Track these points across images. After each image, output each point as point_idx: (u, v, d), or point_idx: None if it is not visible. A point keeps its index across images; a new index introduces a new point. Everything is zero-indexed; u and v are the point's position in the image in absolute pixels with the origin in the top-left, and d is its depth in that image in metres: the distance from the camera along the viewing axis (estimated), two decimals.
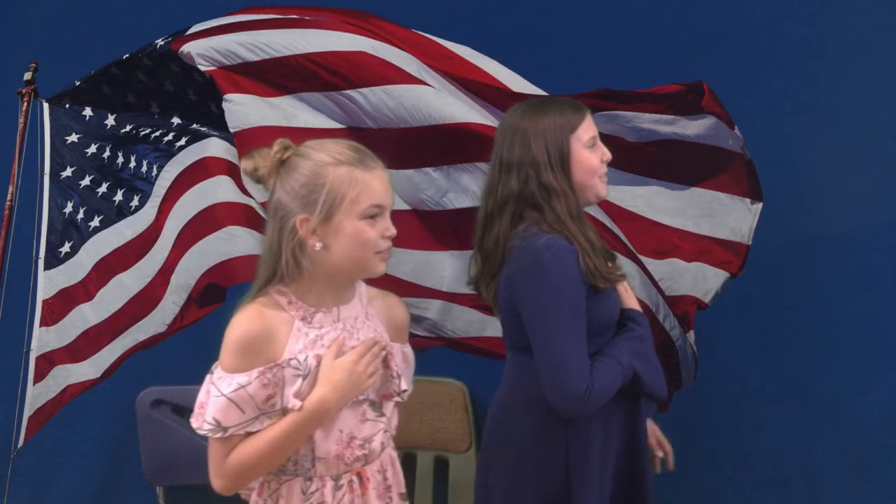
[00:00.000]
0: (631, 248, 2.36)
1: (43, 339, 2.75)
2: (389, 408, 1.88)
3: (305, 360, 1.76)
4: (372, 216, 1.76)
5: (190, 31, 2.52)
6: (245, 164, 1.81)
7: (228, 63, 2.43)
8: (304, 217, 1.74)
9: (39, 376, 2.75)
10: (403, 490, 1.94)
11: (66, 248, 2.77)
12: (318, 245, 1.74)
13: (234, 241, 2.64)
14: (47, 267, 2.77)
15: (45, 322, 2.75)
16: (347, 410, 1.80)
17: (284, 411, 1.75)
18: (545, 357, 1.92)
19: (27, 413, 2.75)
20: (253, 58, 2.41)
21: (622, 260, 2.28)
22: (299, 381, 1.74)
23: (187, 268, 2.68)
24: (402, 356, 1.91)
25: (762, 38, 2.90)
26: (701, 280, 2.48)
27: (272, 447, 1.74)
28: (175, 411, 3.23)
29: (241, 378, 1.72)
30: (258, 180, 1.80)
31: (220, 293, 2.70)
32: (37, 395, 2.76)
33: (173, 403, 3.22)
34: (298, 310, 1.79)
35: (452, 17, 3.06)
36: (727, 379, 2.93)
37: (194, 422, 1.76)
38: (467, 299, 2.41)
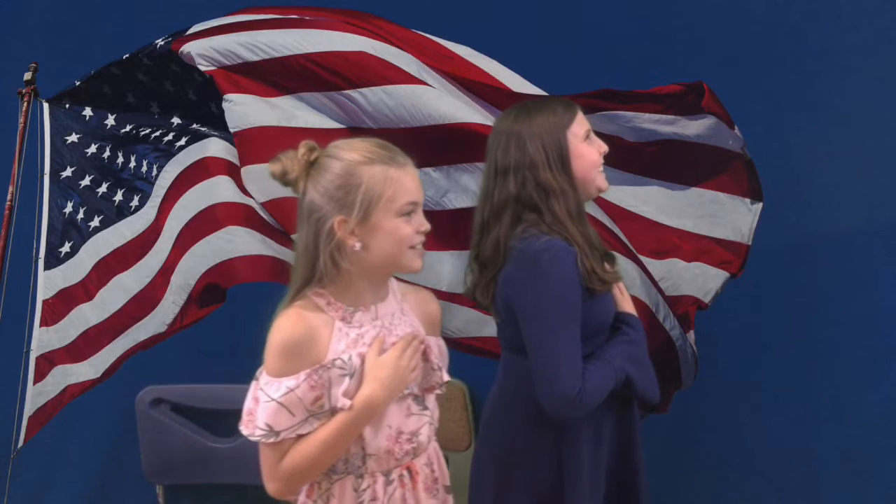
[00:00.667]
0: (631, 248, 2.36)
1: (43, 339, 2.75)
2: (431, 401, 1.90)
3: (350, 359, 1.76)
4: (408, 213, 1.77)
5: (190, 31, 2.52)
6: (273, 168, 1.79)
7: (228, 63, 2.43)
8: (341, 218, 1.74)
9: (39, 376, 2.76)
10: (448, 482, 1.95)
11: (66, 248, 2.77)
12: (357, 245, 1.75)
13: (234, 241, 2.64)
14: (47, 267, 2.78)
15: (45, 322, 2.76)
16: (393, 406, 1.82)
17: (332, 411, 1.75)
18: (538, 358, 1.92)
19: (27, 413, 2.76)
20: (253, 58, 2.41)
21: (622, 260, 2.28)
22: (346, 380, 1.75)
23: (187, 268, 2.68)
24: (438, 349, 1.92)
25: (762, 37, 2.90)
26: (701, 280, 2.48)
27: (325, 448, 1.75)
28: (174, 410, 3.23)
29: (290, 381, 1.72)
30: (287, 183, 1.79)
31: (220, 293, 2.70)
32: (37, 395, 2.76)
33: (173, 402, 3.23)
34: (337, 310, 1.79)
35: (452, 17, 3.06)
36: (727, 379, 2.93)
37: (244, 428, 1.76)
38: (467, 299, 2.41)
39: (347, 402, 1.74)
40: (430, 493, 1.89)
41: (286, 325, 1.75)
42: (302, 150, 1.78)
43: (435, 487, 1.91)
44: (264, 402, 1.73)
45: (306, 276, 1.78)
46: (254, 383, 1.77)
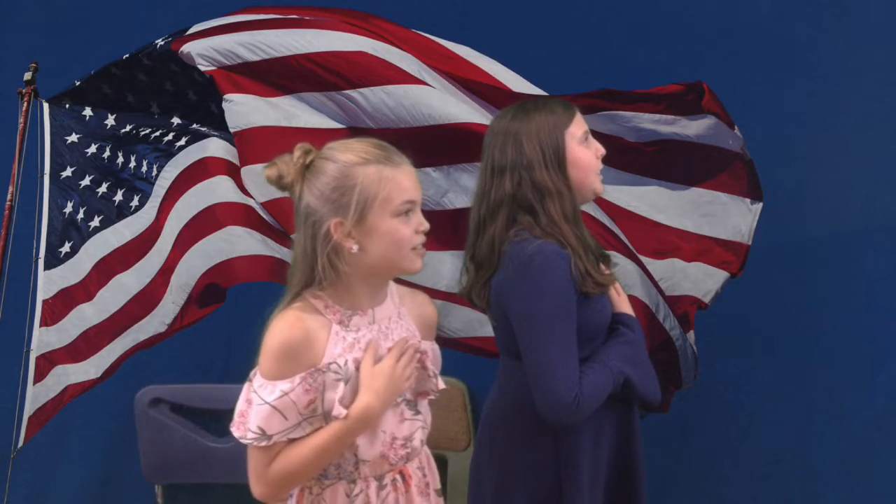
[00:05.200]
0: (631, 248, 2.36)
1: (43, 339, 2.75)
2: (424, 405, 1.88)
3: (345, 364, 1.75)
4: (405, 213, 1.75)
5: (190, 31, 2.52)
6: (269, 173, 1.77)
7: (228, 63, 2.43)
8: (337, 221, 1.72)
9: (39, 376, 2.75)
10: (439, 486, 1.94)
11: (66, 248, 2.77)
12: (355, 247, 1.72)
13: (234, 241, 2.64)
14: (47, 267, 2.77)
15: (45, 322, 2.75)
16: (388, 412, 1.80)
17: (325, 416, 1.74)
18: (534, 364, 1.91)
19: (27, 413, 2.75)
20: (253, 58, 2.41)
21: (622, 259, 2.28)
22: (341, 385, 1.73)
23: (187, 268, 2.68)
24: (432, 353, 1.90)
25: (762, 38, 2.90)
26: (701, 280, 2.48)
27: (317, 455, 1.73)
28: (173, 410, 3.23)
29: (284, 385, 1.70)
30: (283, 187, 1.78)
31: (220, 293, 2.70)
32: (37, 395, 2.76)
33: (171, 402, 3.22)
34: (335, 313, 1.77)
35: (452, 17, 3.06)
36: (727, 379, 2.94)
37: (236, 430, 1.74)
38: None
39: (343, 412, 1.72)
40: (423, 496, 1.88)
41: (284, 327, 1.73)
42: (297, 152, 1.76)
43: (427, 491, 1.90)
44: (257, 405, 1.71)
45: (305, 279, 1.76)
46: (247, 384, 1.75)
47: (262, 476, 1.75)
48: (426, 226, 1.78)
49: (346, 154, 1.75)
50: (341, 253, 1.73)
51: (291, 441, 1.73)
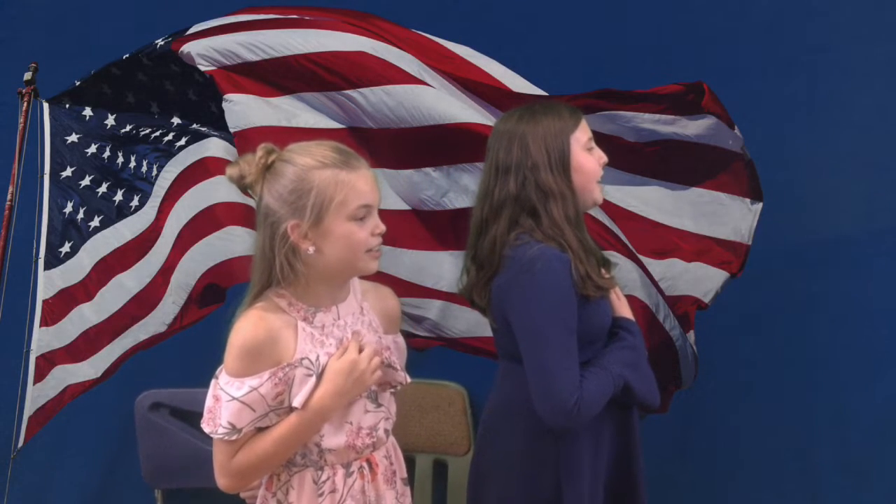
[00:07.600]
0: (631, 248, 2.35)
1: (43, 339, 2.75)
2: (386, 397, 1.93)
3: (317, 359, 1.79)
4: (361, 217, 1.78)
5: (190, 31, 2.52)
6: (230, 172, 1.82)
7: (228, 63, 2.43)
8: (294, 223, 1.76)
9: (39, 376, 2.76)
10: (405, 475, 1.99)
11: (66, 248, 2.77)
12: (311, 249, 1.77)
13: (234, 241, 2.65)
14: (47, 267, 2.77)
15: (45, 322, 2.76)
16: (355, 403, 1.85)
17: (290, 409, 1.79)
18: (535, 369, 1.91)
19: (27, 413, 2.76)
20: (253, 58, 2.41)
21: (622, 260, 2.28)
22: (312, 379, 1.78)
23: (187, 268, 2.68)
24: (395, 346, 1.95)
25: (762, 38, 2.90)
26: (701, 280, 2.48)
27: (277, 446, 1.78)
28: (173, 414, 3.23)
29: (253, 381, 1.76)
30: (244, 188, 1.82)
31: (220, 293, 2.71)
32: (37, 395, 2.76)
33: (171, 406, 3.22)
34: (299, 311, 1.82)
35: (452, 17, 3.06)
36: (727, 379, 2.93)
37: (206, 426, 1.79)
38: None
39: (301, 402, 1.76)
40: (390, 484, 1.93)
41: (247, 326, 1.77)
42: (259, 153, 1.79)
43: (394, 479, 1.95)
44: (226, 402, 1.76)
45: (264, 279, 1.81)
46: (213, 381, 1.81)
47: (225, 468, 1.79)
48: (382, 228, 1.82)
49: (304, 157, 1.78)
50: (298, 253, 1.78)
51: (255, 432, 1.78)
